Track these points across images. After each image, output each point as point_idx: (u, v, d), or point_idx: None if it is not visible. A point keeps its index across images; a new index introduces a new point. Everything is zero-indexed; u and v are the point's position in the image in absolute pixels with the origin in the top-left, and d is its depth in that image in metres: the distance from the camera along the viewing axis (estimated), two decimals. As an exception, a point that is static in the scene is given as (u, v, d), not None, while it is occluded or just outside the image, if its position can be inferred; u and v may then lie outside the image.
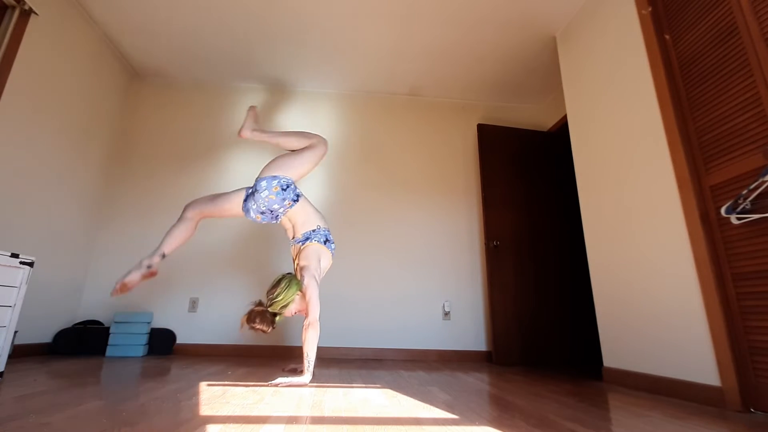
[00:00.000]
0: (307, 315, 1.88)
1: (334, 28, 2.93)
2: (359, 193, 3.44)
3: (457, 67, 3.35)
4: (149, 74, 3.56)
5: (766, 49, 1.50)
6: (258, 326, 1.87)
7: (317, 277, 1.98)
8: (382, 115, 3.71)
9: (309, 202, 2.20)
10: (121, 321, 2.74)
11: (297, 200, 2.11)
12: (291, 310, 1.95)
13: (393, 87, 3.67)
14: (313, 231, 2.10)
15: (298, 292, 1.94)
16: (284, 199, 2.06)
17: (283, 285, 1.93)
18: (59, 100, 2.68)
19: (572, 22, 2.73)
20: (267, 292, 1.96)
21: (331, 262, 2.18)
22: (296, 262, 2.12)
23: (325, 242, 2.10)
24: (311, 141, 2.19)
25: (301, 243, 2.09)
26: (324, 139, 2.22)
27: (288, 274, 2.02)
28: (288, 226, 2.16)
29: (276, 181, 2.04)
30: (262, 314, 1.88)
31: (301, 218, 2.13)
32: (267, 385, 1.74)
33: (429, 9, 2.72)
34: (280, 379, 1.75)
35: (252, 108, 2.47)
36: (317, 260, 2.04)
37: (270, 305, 1.90)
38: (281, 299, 1.90)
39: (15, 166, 2.36)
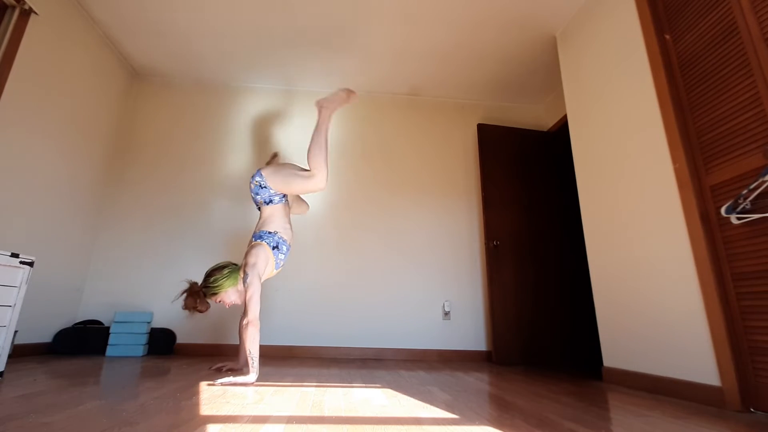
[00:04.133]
0: (245, 312, 1.86)
1: (334, 29, 2.93)
2: (359, 193, 3.44)
3: (457, 66, 3.35)
4: (149, 74, 3.56)
5: (766, 49, 1.50)
6: (199, 308, 1.95)
7: (260, 277, 1.95)
8: (382, 114, 3.71)
9: (285, 210, 2.16)
10: (121, 321, 2.73)
11: (269, 203, 2.13)
12: (218, 298, 1.99)
13: (393, 87, 3.67)
14: (269, 233, 2.06)
15: (234, 286, 1.99)
16: (257, 194, 2.14)
17: (225, 273, 1.99)
18: (59, 100, 2.68)
19: (572, 22, 2.73)
20: (207, 273, 2.01)
21: (274, 273, 2.11)
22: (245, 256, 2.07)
23: (274, 248, 2.04)
24: (312, 173, 2.11)
25: (253, 239, 2.09)
26: (323, 177, 2.10)
27: (233, 264, 2.06)
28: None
29: (258, 178, 2.12)
30: (199, 295, 1.96)
31: (264, 215, 2.14)
32: (215, 385, 1.70)
33: (429, 9, 2.72)
34: (223, 380, 1.73)
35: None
36: (264, 262, 1.98)
37: (204, 287, 1.97)
38: (216, 287, 1.96)
39: (15, 165, 2.36)
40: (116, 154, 3.33)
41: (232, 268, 2.03)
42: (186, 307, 1.95)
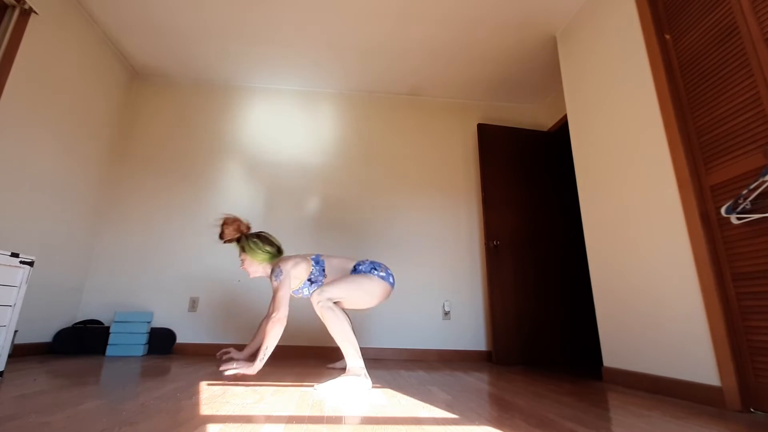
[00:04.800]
0: (276, 308, 1.89)
1: (334, 27, 2.93)
2: (359, 193, 3.44)
3: (457, 66, 3.35)
4: (149, 74, 3.56)
5: (766, 49, 1.50)
6: (229, 231, 2.08)
7: (290, 284, 2.01)
8: (382, 115, 3.71)
9: (333, 268, 2.17)
10: (121, 320, 2.74)
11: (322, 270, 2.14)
12: (244, 257, 2.10)
13: (393, 87, 3.67)
14: (323, 271, 2.13)
15: (261, 263, 2.10)
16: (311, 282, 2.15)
17: (266, 249, 2.08)
18: (59, 100, 2.68)
19: (572, 22, 2.73)
20: (258, 234, 2.11)
21: (290, 290, 2.07)
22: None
23: (310, 281, 2.11)
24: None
25: (312, 256, 2.17)
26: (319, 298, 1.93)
27: (278, 249, 2.13)
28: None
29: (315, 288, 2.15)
30: (236, 225, 2.10)
31: (334, 267, 2.18)
32: (221, 370, 1.83)
33: (429, 8, 2.72)
34: (229, 371, 1.83)
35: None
36: (297, 276, 2.06)
37: (247, 239, 2.09)
38: (252, 248, 2.07)
39: (15, 165, 2.36)
40: (116, 153, 3.33)
41: (274, 253, 2.10)
42: (223, 236, 2.08)
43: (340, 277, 2.09)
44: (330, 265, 2.14)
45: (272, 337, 1.85)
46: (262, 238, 2.11)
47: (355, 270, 2.08)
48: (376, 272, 2.03)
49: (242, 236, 2.13)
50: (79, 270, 2.95)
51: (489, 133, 3.46)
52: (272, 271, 2.02)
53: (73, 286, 2.89)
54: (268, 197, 3.36)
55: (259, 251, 2.08)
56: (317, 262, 2.12)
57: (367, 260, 2.12)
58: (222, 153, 3.44)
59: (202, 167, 3.38)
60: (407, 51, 3.17)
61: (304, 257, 2.12)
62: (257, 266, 2.13)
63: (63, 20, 2.66)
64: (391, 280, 2.06)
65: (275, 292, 1.93)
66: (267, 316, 2.30)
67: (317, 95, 3.71)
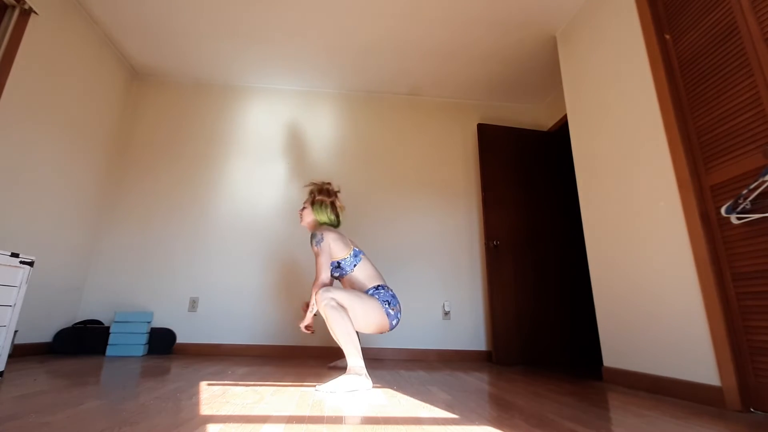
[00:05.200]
0: (317, 274, 2.04)
1: (334, 27, 2.93)
2: (359, 193, 3.44)
3: (457, 66, 3.35)
4: (149, 74, 3.56)
5: (766, 49, 1.50)
6: (317, 188, 2.30)
7: (329, 249, 2.10)
8: (381, 115, 3.71)
9: (360, 271, 2.17)
10: (121, 321, 2.74)
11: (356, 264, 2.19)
12: (307, 205, 2.29)
13: (393, 87, 3.67)
14: (362, 268, 2.18)
15: (314, 217, 2.26)
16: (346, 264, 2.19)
17: (324, 211, 2.24)
18: (59, 100, 2.68)
19: (572, 22, 2.73)
20: (336, 203, 2.28)
21: (343, 254, 2.12)
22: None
23: (335, 266, 2.14)
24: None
25: (358, 250, 2.22)
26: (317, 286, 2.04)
27: (331, 218, 2.25)
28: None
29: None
30: (322, 192, 2.28)
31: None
32: (303, 330, 2.16)
33: (429, 8, 2.72)
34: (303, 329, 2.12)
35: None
36: (332, 246, 2.12)
37: (321, 191, 2.28)
38: (320, 210, 2.24)
39: (15, 165, 2.36)
40: (116, 153, 3.33)
41: (332, 221, 2.25)
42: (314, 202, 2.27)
43: (353, 289, 2.12)
44: (362, 267, 2.15)
45: (314, 301, 1.99)
46: (333, 205, 2.27)
47: (376, 289, 2.09)
48: (386, 307, 2.03)
49: (322, 192, 2.28)
50: (79, 270, 2.95)
51: (489, 133, 3.46)
52: (314, 234, 2.10)
53: (73, 286, 2.89)
54: (267, 196, 3.36)
55: (324, 214, 2.24)
56: (355, 255, 2.15)
57: (391, 291, 2.11)
58: (221, 153, 3.44)
59: (201, 167, 3.38)
60: (407, 50, 3.17)
61: (347, 241, 2.18)
62: (312, 220, 2.28)
63: (63, 20, 2.66)
64: (394, 322, 2.06)
65: (315, 256, 2.07)
66: None
67: (316, 95, 3.71)
